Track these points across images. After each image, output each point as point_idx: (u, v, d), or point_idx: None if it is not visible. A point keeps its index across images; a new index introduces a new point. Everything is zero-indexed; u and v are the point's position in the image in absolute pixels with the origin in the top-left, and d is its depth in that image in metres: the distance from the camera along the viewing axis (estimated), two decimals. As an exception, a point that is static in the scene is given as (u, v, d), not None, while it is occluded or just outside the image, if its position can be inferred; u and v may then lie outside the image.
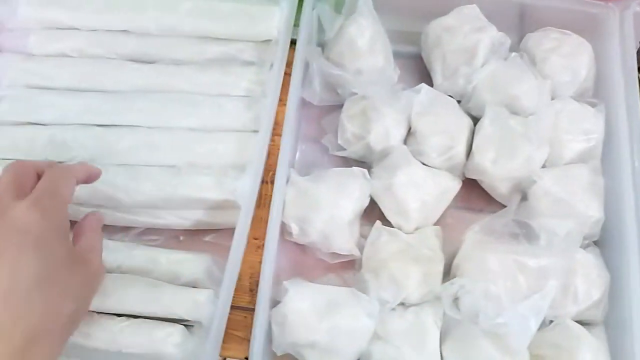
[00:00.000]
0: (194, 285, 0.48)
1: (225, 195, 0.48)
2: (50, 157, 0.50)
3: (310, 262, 0.52)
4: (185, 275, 0.48)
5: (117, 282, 0.45)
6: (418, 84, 0.59)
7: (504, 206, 0.54)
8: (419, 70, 0.61)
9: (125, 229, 0.52)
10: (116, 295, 0.44)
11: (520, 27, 0.61)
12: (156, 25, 0.53)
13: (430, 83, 0.59)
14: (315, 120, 0.58)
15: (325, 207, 0.48)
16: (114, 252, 0.48)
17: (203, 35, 0.53)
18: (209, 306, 0.45)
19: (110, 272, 0.48)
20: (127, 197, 0.49)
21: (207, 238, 0.52)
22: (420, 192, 0.50)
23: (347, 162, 0.56)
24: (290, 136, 0.50)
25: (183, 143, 0.50)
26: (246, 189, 0.47)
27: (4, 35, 0.54)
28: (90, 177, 0.44)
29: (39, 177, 0.39)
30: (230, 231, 0.52)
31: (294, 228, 0.49)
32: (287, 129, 0.50)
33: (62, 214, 0.38)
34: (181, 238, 0.52)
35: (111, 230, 0.51)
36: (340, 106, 0.58)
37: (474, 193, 0.55)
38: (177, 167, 0.50)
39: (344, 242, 0.49)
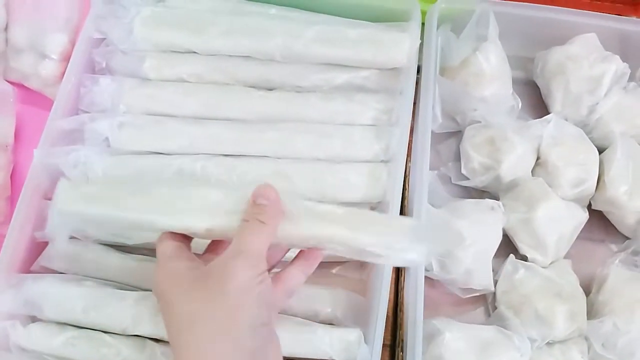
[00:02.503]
0: (331, 321, 0.47)
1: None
2: (178, 188, 0.48)
3: (437, 295, 0.51)
4: (324, 313, 0.46)
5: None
6: (528, 110, 0.59)
7: (625, 237, 0.54)
8: (527, 96, 0.60)
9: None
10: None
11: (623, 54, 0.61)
12: (281, 51, 0.51)
13: (541, 109, 0.58)
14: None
15: (471, 243, 0.47)
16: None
17: (329, 62, 0.52)
18: (359, 347, 0.43)
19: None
20: None
21: (334, 270, 0.51)
22: (559, 225, 0.49)
23: (467, 191, 0.55)
24: (425, 166, 0.49)
25: (313, 174, 0.49)
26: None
27: (118, 58, 0.52)
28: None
29: None
30: (355, 263, 0.51)
31: (433, 264, 0.48)
32: (422, 159, 0.49)
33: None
34: (307, 271, 0.51)
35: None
36: (455, 134, 0.57)
37: (595, 224, 0.54)
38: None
39: (485, 278, 0.48)
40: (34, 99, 0.56)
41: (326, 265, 0.51)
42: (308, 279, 0.49)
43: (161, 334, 0.43)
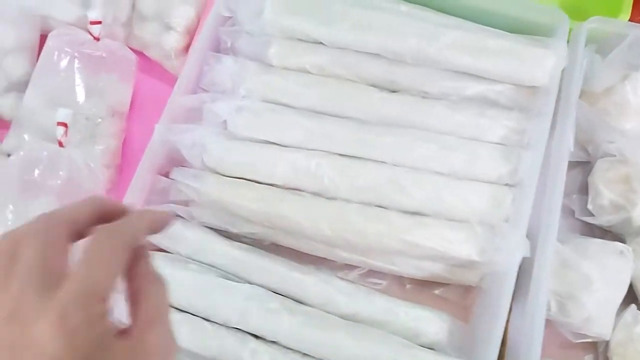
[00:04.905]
0: (431, 345, 0.44)
1: (475, 256, 0.44)
2: (290, 184, 0.47)
3: (544, 334, 0.47)
4: (426, 335, 0.44)
5: (366, 335, 0.42)
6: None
7: None
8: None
9: (349, 267, 0.49)
10: (368, 351, 0.41)
11: None
12: (413, 53, 0.48)
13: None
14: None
15: (599, 288, 0.43)
16: (350, 295, 0.45)
17: (463, 71, 0.48)
18: (463, 379, 0.41)
19: (345, 318, 0.44)
20: (356, 238, 0.45)
21: (437, 291, 0.49)
22: (693, 283, 0.45)
23: (590, 228, 0.51)
24: (557, 197, 0.45)
25: (431, 188, 0.46)
26: (513, 254, 0.42)
27: (243, 39, 0.51)
28: (156, 228, 0.28)
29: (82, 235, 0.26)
30: (460, 287, 0.49)
31: (552, 304, 0.44)
32: (553, 188, 0.45)
33: (97, 332, 0.23)
34: (407, 286, 0.49)
35: (333, 265, 0.48)
36: (583, 164, 0.53)
37: None
38: (419, 213, 0.46)
39: (605, 328, 0.44)
40: (150, 68, 0.55)
41: (428, 285, 0.48)
42: (409, 297, 0.48)
43: (264, 332, 0.42)
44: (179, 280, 0.43)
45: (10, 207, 0.42)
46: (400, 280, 0.49)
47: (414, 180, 0.46)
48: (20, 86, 0.52)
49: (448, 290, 0.48)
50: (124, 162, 0.52)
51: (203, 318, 0.43)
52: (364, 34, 0.49)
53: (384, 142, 0.47)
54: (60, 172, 0.42)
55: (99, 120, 0.48)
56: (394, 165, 0.47)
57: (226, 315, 0.42)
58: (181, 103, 0.48)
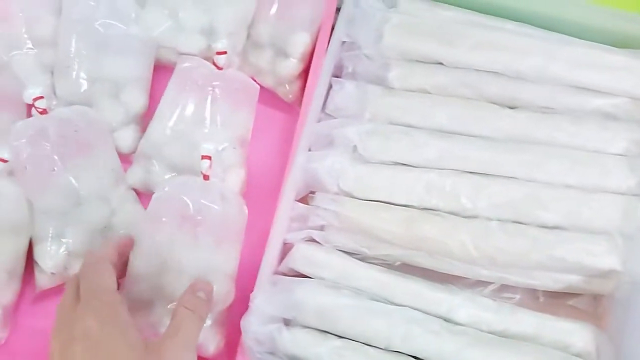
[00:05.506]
0: (580, 357, 0.45)
1: (618, 267, 0.45)
2: (426, 204, 0.47)
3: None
4: (575, 347, 0.45)
5: (528, 352, 0.43)
6: None
7: None
8: None
9: (482, 283, 0.49)
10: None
11: None
12: (536, 71, 0.49)
13: None
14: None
15: None
16: (496, 312, 0.46)
17: (583, 87, 0.50)
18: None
19: (493, 333, 0.45)
20: (500, 255, 0.46)
21: (570, 302, 0.50)
22: None
23: None
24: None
25: (569, 202, 0.47)
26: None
27: (363, 63, 0.51)
28: (124, 250, 0.42)
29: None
30: (591, 296, 0.50)
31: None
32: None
33: (114, 308, 0.37)
34: (541, 299, 0.50)
35: (466, 282, 0.49)
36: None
37: None
38: (559, 227, 0.47)
39: None
40: (261, 95, 0.55)
41: (561, 296, 0.49)
42: (544, 309, 0.48)
43: (428, 354, 0.43)
44: (336, 307, 0.43)
45: (164, 245, 0.42)
46: (532, 293, 0.50)
47: (551, 196, 0.47)
48: (137, 118, 0.52)
49: (581, 301, 0.50)
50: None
51: (363, 343, 0.43)
52: (486, 53, 0.50)
53: (516, 159, 0.48)
54: (215, 206, 0.42)
55: (233, 149, 0.48)
56: (528, 181, 0.48)
57: (387, 339, 0.43)
58: (315, 130, 0.48)
